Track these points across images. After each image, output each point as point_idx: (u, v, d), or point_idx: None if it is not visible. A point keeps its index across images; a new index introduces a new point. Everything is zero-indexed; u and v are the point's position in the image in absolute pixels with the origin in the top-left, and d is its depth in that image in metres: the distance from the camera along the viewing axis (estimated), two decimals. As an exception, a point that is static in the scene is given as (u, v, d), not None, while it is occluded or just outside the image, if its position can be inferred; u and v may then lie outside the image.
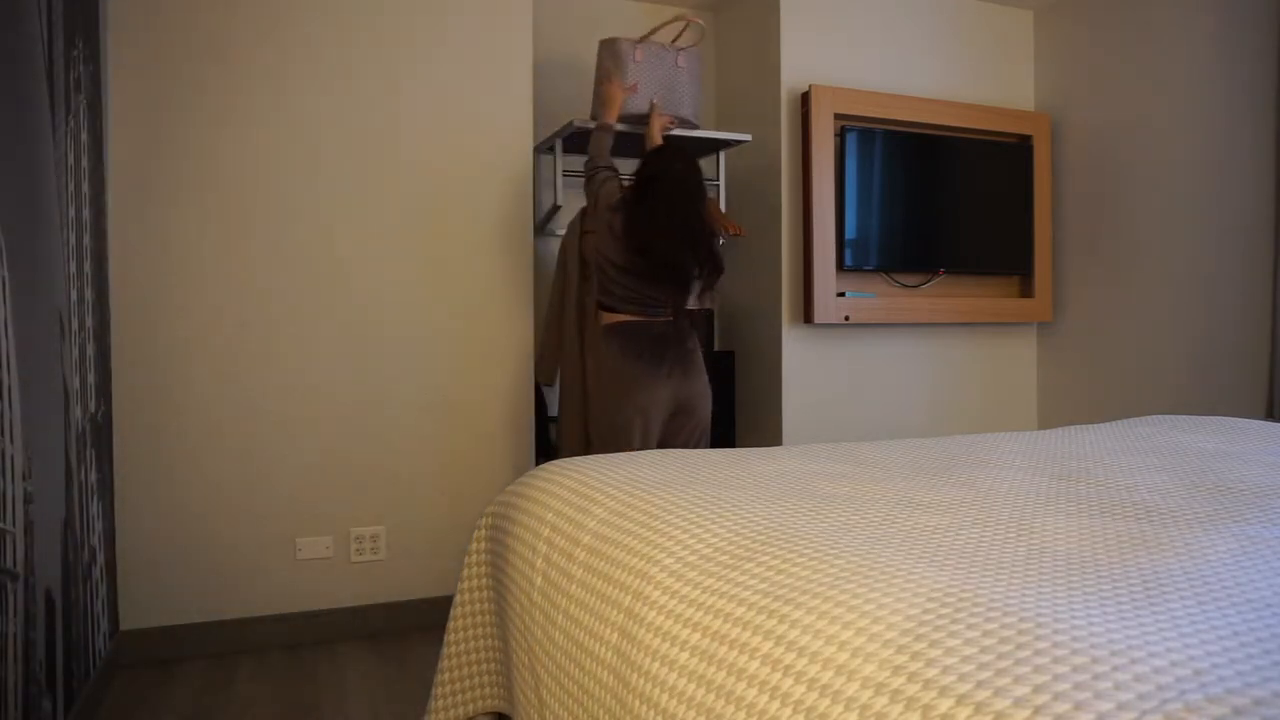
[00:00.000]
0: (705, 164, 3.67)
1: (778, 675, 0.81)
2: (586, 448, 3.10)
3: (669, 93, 3.12)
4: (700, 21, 3.13)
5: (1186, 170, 3.27)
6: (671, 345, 2.61)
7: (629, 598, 1.08)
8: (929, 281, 3.63)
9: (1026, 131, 3.73)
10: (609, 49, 3.09)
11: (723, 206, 3.44)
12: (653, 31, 3.12)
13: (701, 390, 2.66)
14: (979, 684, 0.68)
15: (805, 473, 1.51)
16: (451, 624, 1.66)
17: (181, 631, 2.68)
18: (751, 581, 0.96)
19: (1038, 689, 0.66)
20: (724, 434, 3.51)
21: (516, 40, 3.05)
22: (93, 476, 2.34)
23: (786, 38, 3.41)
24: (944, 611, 0.80)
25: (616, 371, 2.60)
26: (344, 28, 2.86)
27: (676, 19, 3.14)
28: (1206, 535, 1.08)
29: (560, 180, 3.16)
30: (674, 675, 0.93)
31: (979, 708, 0.65)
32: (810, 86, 3.35)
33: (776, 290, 3.43)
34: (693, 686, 0.90)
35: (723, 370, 3.51)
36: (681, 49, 3.13)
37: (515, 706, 1.48)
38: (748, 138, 3.35)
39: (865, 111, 3.44)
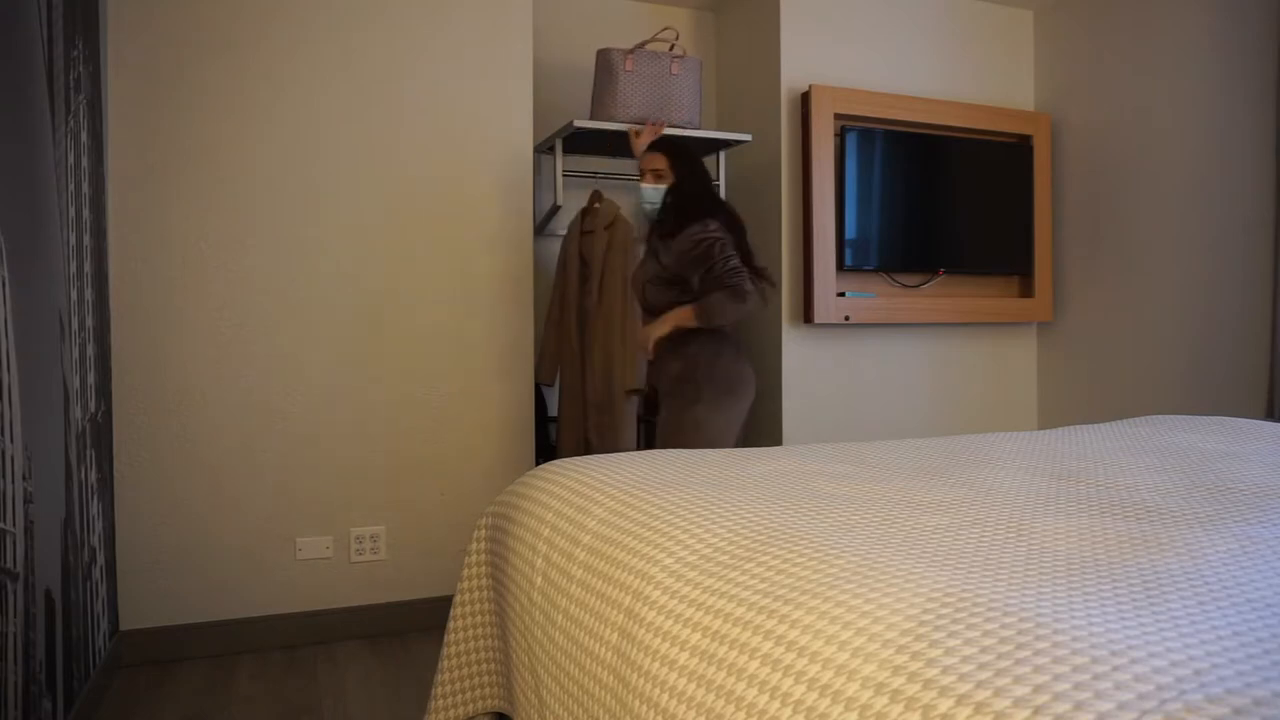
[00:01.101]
0: (705, 164, 3.68)
1: (778, 675, 0.81)
2: (586, 448, 3.10)
3: (663, 99, 3.13)
4: (673, 27, 3.23)
5: (1186, 170, 3.27)
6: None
7: (629, 598, 1.08)
8: (929, 281, 3.63)
9: (1026, 131, 3.73)
10: (602, 59, 3.11)
11: (723, 206, 3.43)
12: (645, 43, 3.14)
13: None
14: (979, 684, 0.68)
15: (805, 473, 1.51)
16: (451, 624, 1.67)
17: (181, 631, 2.68)
18: (751, 581, 0.96)
19: (1038, 689, 0.66)
20: (724, 434, 3.51)
21: (516, 40, 3.06)
22: (93, 476, 2.34)
23: (786, 38, 3.41)
24: (944, 611, 0.80)
25: (735, 374, 2.58)
26: (344, 28, 2.86)
27: (666, 30, 3.19)
28: (1206, 535, 1.08)
29: (560, 180, 3.16)
30: (674, 675, 0.93)
31: (979, 708, 0.65)
32: (810, 86, 3.35)
33: (777, 290, 3.42)
34: (693, 686, 0.90)
35: (723, 370, 3.51)
36: (677, 56, 3.15)
37: (515, 706, 1.48)
38: (748, 138, 3.35)
39: (865, 111, 3.44)
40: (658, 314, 2.59)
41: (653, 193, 2.61)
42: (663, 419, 2.62)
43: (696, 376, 2.54)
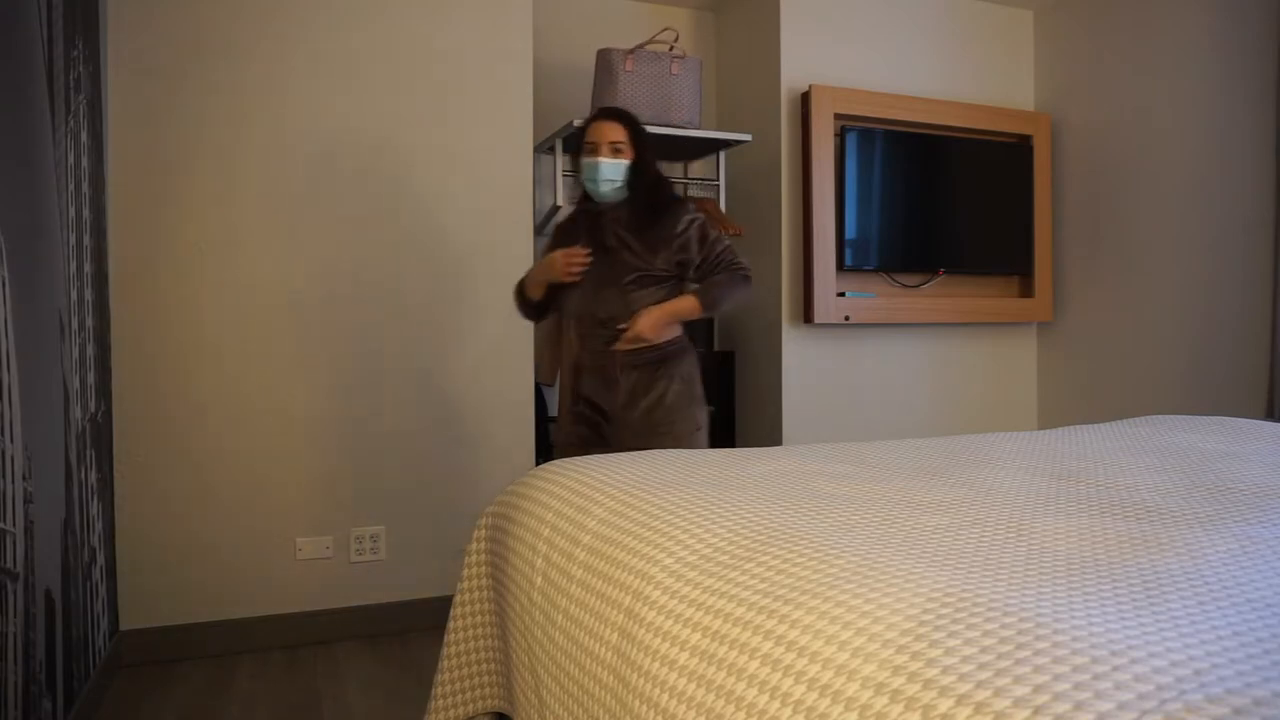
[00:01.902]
0: (705, 164, 3.69)
1: (778, 675, 0.81)
2: (586, 448, 3.10)
3: (663, 99, 3.14)
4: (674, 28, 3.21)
5: (1186, 170, 3.27)
6: None
7: (629, 598, 1.08)
8: (929, 281, 3.63)
9: (1026, 131, 3.73)
10: (602, 60, 3.12)
11: (722, 206, 3.44)
12: (646, 43, 3.14)
13: None
14: (979, 684, 0.68)
15: (805, 473, 1.51)
16: (451, 624, 1.66)
17: (181, 631, 2.68)
18: (751, 581, 0.96)
19: (1038, 689, 0.66)
20: (724, 434, 3.51)
21: (516, 40, 3.06)
22: (93, 476, 2.34)
23: (786, 38, 3.41)
24: (944, 612, 0.80)
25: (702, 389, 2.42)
26: (345, 28, 2.86)
27: (665, 31, 3.18)
28: (1206, 535, 1.08)
29: (560, 180, 3.16)
30: (674, 675, 0.93)
31: (979, 708, 0.65)
32: (810, 86, 3.35)
33: (776, 290, 3.43)
34: (693, 686, 0.90)
35: (723, 370, 3.51)
36: (677, 56, 3.15)
37: (515, 706, 1.48)
38: (748, 138, 3.35)
39: (865, 111, 3.44)
40: (619, 301, 2.26)
41: (614, 169, 2.24)
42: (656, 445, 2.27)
43: (693, 398, 2.34)
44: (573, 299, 2.33)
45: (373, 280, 2.89)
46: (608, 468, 1.54)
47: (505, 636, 1.54)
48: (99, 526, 2.41)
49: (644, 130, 2.32)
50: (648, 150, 2.30)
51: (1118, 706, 0.62)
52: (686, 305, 2.26)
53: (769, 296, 3.48)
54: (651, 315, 2.22)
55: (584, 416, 2.35)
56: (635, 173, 2.27)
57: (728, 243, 2.32)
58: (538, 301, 2.38)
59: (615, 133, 2.26)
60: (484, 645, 1.65)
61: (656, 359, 2.30)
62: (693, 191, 3.60)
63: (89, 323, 2.33)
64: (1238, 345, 3.10)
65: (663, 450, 1.81)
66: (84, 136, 2.29)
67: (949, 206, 3.62)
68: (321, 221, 2.84)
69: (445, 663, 1.66)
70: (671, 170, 3.73)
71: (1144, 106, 3.42)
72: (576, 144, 2.27)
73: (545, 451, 3.24)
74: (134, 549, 2.64)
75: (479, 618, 1.64)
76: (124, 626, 2.64)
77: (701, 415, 2.38)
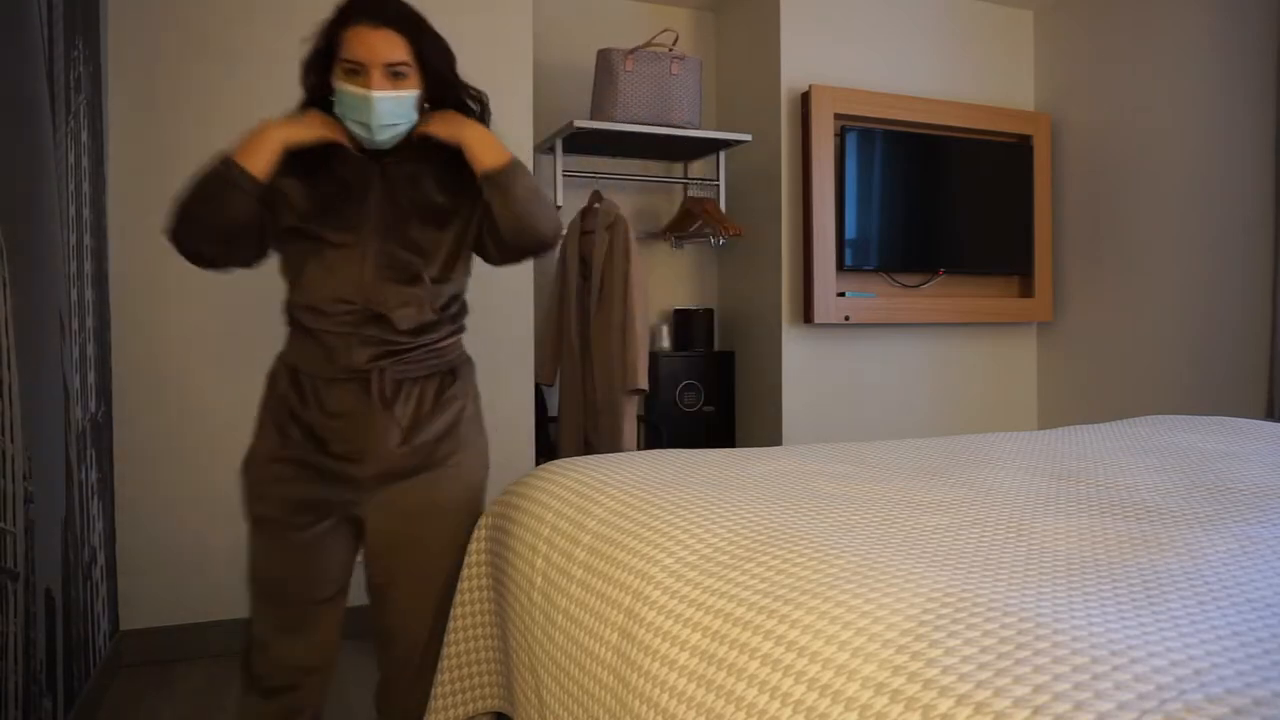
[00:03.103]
0: (705, 164, 3.69)
1: (778, 675, 0.81)
2: (586, 448, 3.11)
3: (663, 99, 3.13)
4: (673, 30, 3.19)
5: (1186, 170, 3.27)
6: None
7: (629, 598, 1.08)
8: (929, 281, 3.63)
9: (1026, 131, 3.73)
10: (602, 60, 3.12)
11: (722, 206, 3.44)
12: (646, 44, 3.14)
13: None
14: (979, 684, 0.68)
15: (805, 473, 1.51)
16: (451, 624, 1.67)
17: (181, 631, 2.68)
18: (751, 581, 0.96)
19: (1038, 689, 0.66)
20: (724, 434, 3.51)
21: (516, 40, 3.05)
22: (93, 476, 2.34)
23: (786, 38, 3.41)
24: (944, 611, 0.80)
25: None
26: (344, 28, 2.86)
27: (664, 33, 3.18)
28: (1206, 535, 1.08)
29: (560, 180, 3.16)
30: (674, 675, 0.93)
31: (979, 708, 0.65)
32: (810, 86, 3.35)
33: (776, 290, 3.43)
34: (693, 686, 0.90)
35: (723, 370, 3.51)
36: (677, 56, 3.15)
37: (515, 706, 1.48)
38: (748, 138, 3.35)
39: (865, 111, 3.44)
40: (415, 256, 1.58)
41: (396, 105, 1.45)
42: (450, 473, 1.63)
43: (482, 426, 1.76)
44: (321, 271, 1.50)
45: (373, 280, 2.89)
46: (608, 468, 1.54)
47: (505, 636, 1.54)
48: (99, 526, 2.41)
49: (434, 36, 1.48)
50: (445, 68, 1.50)
51: (1118, 706, 0.62)
52: (500, 146, 1.51)
53: (769, 297, 3.48)
54: (464, 120, 1.51)
55: (306, 462, 1.51)
56: (424, 108, 1.51)
57: None
58: (253, 189, 1.49)
59: (394, 48, 1.42)
60: (484, 645, 1.65)
61: (444, 368, 1.65)
62: (692, 191, 3.61)
63: (89, 323, 2.33)
64: (1238, 345, 3.10)
65: (663, 450, 1.81)
66: (84, 136, 2.29)
67: (949, 206, 3.62)
68: (321, 221, 2.84)
69: (445, 663, 1.66)
70: (671, 170, 3.73)
71: (1144, 106, 3.42)
72: (322, 52, 1.52)
73: (545, 452, 3.24)
74: (134, 549, 2.64)
75: (479, 618, 1.65)
76: (124, 626, 2.64)
77: (487, 451, 1.74)
